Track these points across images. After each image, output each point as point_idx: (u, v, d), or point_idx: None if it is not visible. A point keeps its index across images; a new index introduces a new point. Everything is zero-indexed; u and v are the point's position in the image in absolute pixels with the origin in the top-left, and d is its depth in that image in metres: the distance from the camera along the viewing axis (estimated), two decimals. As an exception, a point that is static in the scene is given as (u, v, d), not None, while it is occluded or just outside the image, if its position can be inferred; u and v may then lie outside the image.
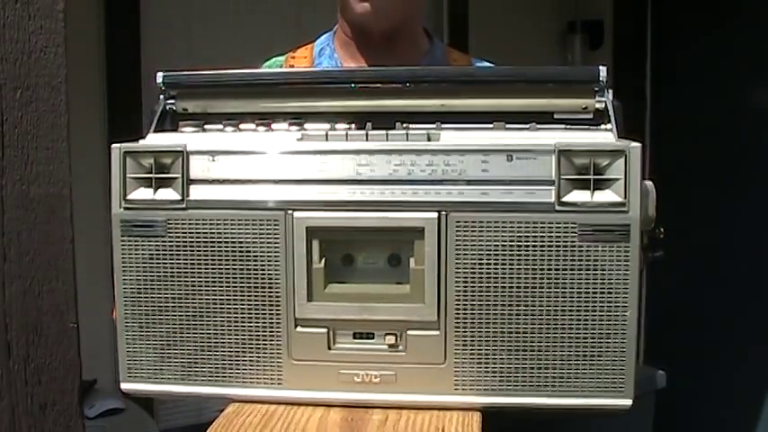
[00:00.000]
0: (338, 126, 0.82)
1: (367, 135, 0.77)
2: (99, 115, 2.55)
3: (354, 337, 0.78)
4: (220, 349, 0.79)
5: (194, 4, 2.68)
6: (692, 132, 3.01)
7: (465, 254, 0.75)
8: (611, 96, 0.82)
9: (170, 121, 0.88)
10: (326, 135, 0.78)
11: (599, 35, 3.20)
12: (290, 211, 0.76)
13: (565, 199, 0.74)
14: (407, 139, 0.76)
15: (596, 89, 0.82)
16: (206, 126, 0.85)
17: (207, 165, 0.78)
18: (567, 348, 0.75)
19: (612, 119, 0.80)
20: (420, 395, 0.78)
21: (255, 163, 0.77)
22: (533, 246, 0.74)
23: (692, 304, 3.01)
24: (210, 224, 0.77)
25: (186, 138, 0.83)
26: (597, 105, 0.82)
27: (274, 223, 0.76)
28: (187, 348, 0.80)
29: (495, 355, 0.76)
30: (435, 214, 0.75)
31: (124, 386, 0.82)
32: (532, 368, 0.75)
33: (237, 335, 0.78)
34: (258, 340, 0.78)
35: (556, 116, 0.82)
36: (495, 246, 0.74)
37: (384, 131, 0.77)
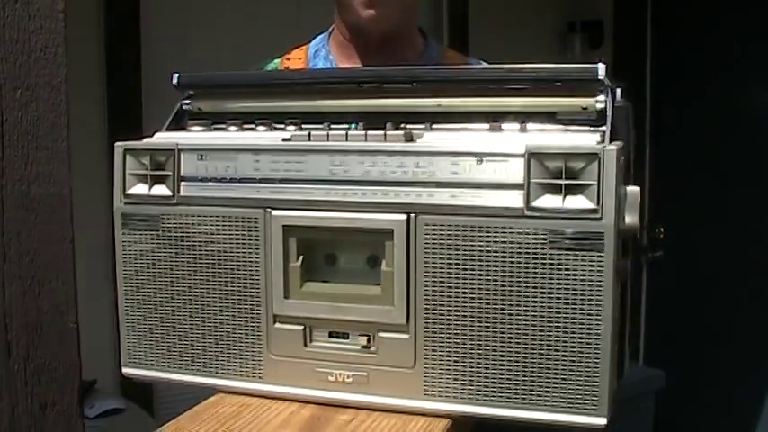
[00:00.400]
0: (334, 126, 0.81)
1: (347, 135, 0.77)
2: (99, 115, 2.55)
3: (330, 336, 0.79)
4: (207, 340, 0.82)
5: (194, 4, 2.68)
6: (692, 132, 3.01)
7: (434, 257, 0.73)
8: (613, 96, 0.79)
9: (188, 121, 0.92)
10: (309, 135, 0.78)
11: (599, 35, 3.20)
12: (268, 210, 0.78)
13: (534, 204, 0.71)
14: (385, 140, 0.75)
15: (600, 89, 0.79)
16: (213, 125, 0.88)
17: (196, 163, 0.81)
18: (538, 360, 0.71)
19: (608, 120, 0.76)
20: (390, 398, 0.77)
21: (240, 162, 0.79)
22: (502, 252, 0.71)
23: (692, 304, 3.01)
24: (198, 220, 0.80)
25: (182, 137, 0.85)
26: (598, 106, 0.78)
27: (255, 221, 0.78)
28: (178, 338, 0.83)
29: (464, 362, 0.73)
30: (405, 216, 0.74)
31: (125, 370, 0.86)
32: (502, 378, 0.72)
33: (222, 327, 0.81)
34: (241, 334, 0.80)
35: (558, 117, 0.79)
36: (464, 250, 0.72)
37: (363, 132, 0.77)
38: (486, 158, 0.72)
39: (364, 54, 1.28)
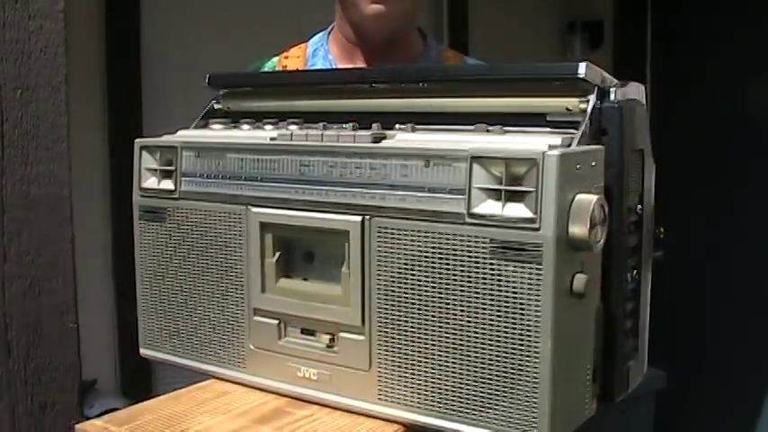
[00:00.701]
0: (327, 126, 0.81)
1: (322, 136, 0.77)
2: (99, 115, 2.55)
3: (302, 333, 0.79)
4: (202, 328, 0.85)
5: (194, 4, 2.68)
6: (692, 132, 3.01)
7: (386, 260, 0.72)
8: (604, 96, 0.74)
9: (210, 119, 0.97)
10: (291, 135, 0.80)
11: (599, 35, 3.20)
12: (249, 207, 0.80)
13: (475, 210, 0.67)
14: (354, 141, 0.75)
15: (585, 89, 0.74)
16: (232, 124, 0.92)
17: (194, 160, 0.84)
18: (480, 374, 0.68)
19: (585, 121, 0.71)
20: (348, 399, 0.76)
21: (228, 160, 0.82)
22: (446, 258, 0.68)
23: (692, 304, 3.02)
24: (194, 214, 0.84)
25: (194, 134, 0.89)
26: (581, 106, 0.73)
27: (239, 217, 0.81)
28: (179, 324, 0.87)
29: (414, 369, 0.71)
30: (360, 218, 0.73)
31: (141, 350, 0.91)
32: (446, 389, 0.70)
33: (214, 316, 0.84)
34: (228, 323, 0.83)
35: (549, 118, 0.75)
36: (412, 255, 0.70)
37: (336, 133, 0.77)
38: (432, 161, 0.70)
39: (364, 54, 1.28)
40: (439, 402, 0.70)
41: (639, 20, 3.19)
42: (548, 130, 0.73)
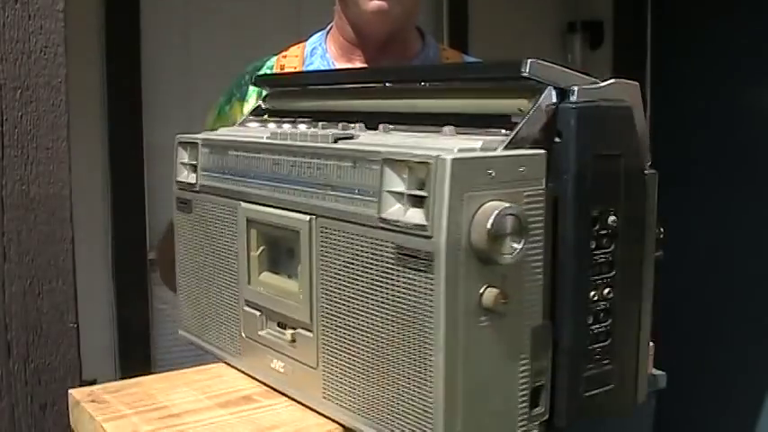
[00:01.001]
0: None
1: (297, 135, 0.78)
2: (99, 115, 2.55)
3: (278, 326, 0.81)
4: (212, 314, 0.90)
5: (195, 4, 2.68)
6: (692, 132, 3.01)
7: (326, 261, 0.72)
8: (563, 97, 0.67)
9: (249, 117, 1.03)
10: (278, 134, 0.81)
11: (599, 35, 3.20)
12: (240, 203, 0.83)
13: (383, 214, 0.65)
14: (318, 141, 0.75)
15: (537, 88, 0.68)
16: (265, 122, 0.97)
17: (209, 156, 0.88)
18: (394, 384, 0.66)
19: (522, 123, 0.65)
20: (302, 394, 0.77)
21: (229, 156, 0.85)
22: (363, 262, 0.67)
23: (692, 304, 3.02)
24: (207, 206, 0.88)
25: (224, 132, 0.93)
26: (529, 107, 0.67)
27: (234, 211, 0.84)
28: (199, 309, 0.92)
29: (349, 371, 0.71)
30: (308, 218, 0.74)
31: (179, 332, 0.97)
32: (372, 395, 0.69)
33: (219, 304, 0.88)
34: (228, 311, 0.87)
35: (513, 119, 0.70)
36: (344, 257, 0.69)
37: (312, 132, 0.78)
38: (357, 163, 0.68)
39: (364, 53, 1.28)
40: (367, 407, 0.69)
41: (639, 20, 3.19)
42: (503, 132, 0.68)
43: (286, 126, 0.87)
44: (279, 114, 0.97)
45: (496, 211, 0.61)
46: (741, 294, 2.87)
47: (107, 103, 2.56)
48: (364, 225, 0.67)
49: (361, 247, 0.68)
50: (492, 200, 0.62)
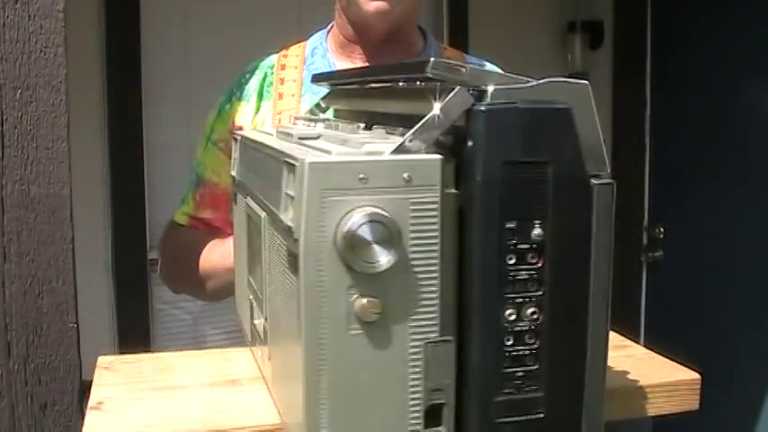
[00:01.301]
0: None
1: (285, 133, 0.81)
2: (99, 115, 2.55)
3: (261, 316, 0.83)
4: (244, 301, 0.93)
5: (195, 4, 2.68)
6: (692, 132, 3.01)
7: (270, 257, 0.72)
8: (478, 99, 0.62)
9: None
10: (275, 133, 0.82)
11: (599, 35, 3.20)
12: (246, 197, 0.85)
13: (280, 215, 0.64)
14: (284, 138, 0.77)
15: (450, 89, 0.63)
16: (310, 121, 0.99)
17: (240, 152, 0.92)
18: (289, 381, 0.66)
19: (419, 125, 0.61)
20: (274, 381, 0.77)
21: (247, 151, 0.88)
22: (278, 258, 0.68)
23: (692, 304, 3.02)
24: (239, 199, 0.93)
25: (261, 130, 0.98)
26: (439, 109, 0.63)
27: (245, 203, 0.87)
28: (241, 296, 0.96)
29: (280, 370, 0.72)
30: (264, 214, 0.74)
31: (235, 315, 1.00)
32: (283, 391, 0.71)
33: (244, 294, 0.92)
34: (245, 299, 0.90)
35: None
36: (273, 255, 0.71)
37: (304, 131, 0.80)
38: (275, 163, 0.68)
39: (365, 53, 1.28)
40: (281, 401, 0.72)
41: (639, 20, 3.19)
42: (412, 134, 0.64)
43: (300, 123, 0.89)
44: (341, 114, 0.99)
45: (356, 217, 0.58)
46: (741, 294, 2.87)
47: (107, 103, 2.56)
48: (277, 224, 0.67)
49: (276, 244, 0.70)
50: (366, 205, 0.59)
